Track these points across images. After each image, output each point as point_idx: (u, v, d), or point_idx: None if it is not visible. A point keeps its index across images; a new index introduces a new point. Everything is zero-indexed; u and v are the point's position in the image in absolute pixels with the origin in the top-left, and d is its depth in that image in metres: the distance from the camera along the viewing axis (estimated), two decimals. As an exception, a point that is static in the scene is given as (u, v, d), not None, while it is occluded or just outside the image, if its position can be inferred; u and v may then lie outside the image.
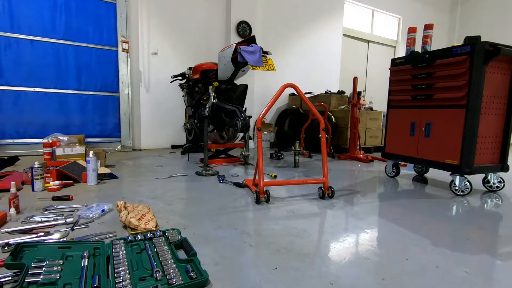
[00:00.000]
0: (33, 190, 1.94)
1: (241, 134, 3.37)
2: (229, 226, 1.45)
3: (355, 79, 3.78)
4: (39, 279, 0.89)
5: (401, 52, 6.57)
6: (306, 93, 4.79)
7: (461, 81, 2.05)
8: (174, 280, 0.92)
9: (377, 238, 1.37)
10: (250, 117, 2.64)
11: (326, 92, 4.82)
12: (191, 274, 0.95)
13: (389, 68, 2.63)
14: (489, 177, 2.29)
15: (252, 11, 4.48)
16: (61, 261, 1.00)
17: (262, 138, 1.96)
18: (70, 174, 2.17)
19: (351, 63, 6.10)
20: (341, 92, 4.80)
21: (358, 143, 3.83)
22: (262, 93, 4.81)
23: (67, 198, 1.79)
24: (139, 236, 1.20)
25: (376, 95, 6.38)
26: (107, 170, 2.39)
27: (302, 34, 5.20)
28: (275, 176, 2.53)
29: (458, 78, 2.08)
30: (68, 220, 1.42)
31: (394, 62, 2.58)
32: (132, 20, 3.83)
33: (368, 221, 1.58)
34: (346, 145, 4.13)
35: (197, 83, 3.10)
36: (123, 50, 3.81)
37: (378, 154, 4.01)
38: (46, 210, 1.58)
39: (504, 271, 1.10)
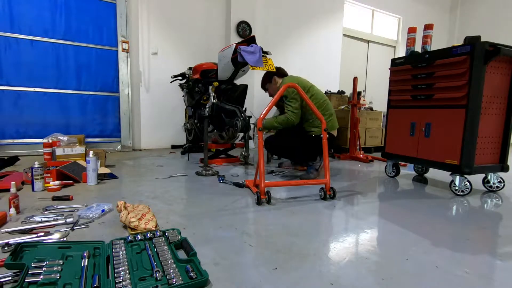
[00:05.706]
0: (33, 190, 1.93)
1: (241, 134, 3.37)
2: (229, 226, 1.45)
3: (355, 79, 3.78)
4: (39, 279, 0.89)
5: (401, 52, 6.56)
6: (306, 93, 4.78)
7: (461, 81, 2.05)
8: (174, 280, 0.92)
9: (377, 238, 1.37)
10: (250, 117, 2.64)
11: (326, 92, 4.81)
12: (191, 274, 0.95)
13: (389, 68, 2.63)
14: (489, 177, 2.29)
15: (252, 11, 4.48)
16: (61, 261, 1.00)
17: (263, 138, 1.95)
18: (70, 174, 2.17)
19: (351, 63, 6.09)
20: (341, 92, 4.80)
21: (358, 143, 3.82)
22: (262, 93, 4.78)
23: (67, 198, 1.79)
24: (139, 236, 1.20)
25: (376, 95, 6.37)
26: (107, 170, 2.39)
27: (302, 34, 5.20)
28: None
29: (458, 78, 2.08)
30: (68, 220, 1.42)
31: (394, 62, 2.58)
32: (132, 20, 3.83)
33: (368, 221, 1.58)
34: (346, 145, 4.13)
35: (197, 83, 3.10)
36: (123, 50, 3.81)
37: (378, 154, 4.00)
38: (46, 210, 1.58)
39: (504, 271, 1.10)
